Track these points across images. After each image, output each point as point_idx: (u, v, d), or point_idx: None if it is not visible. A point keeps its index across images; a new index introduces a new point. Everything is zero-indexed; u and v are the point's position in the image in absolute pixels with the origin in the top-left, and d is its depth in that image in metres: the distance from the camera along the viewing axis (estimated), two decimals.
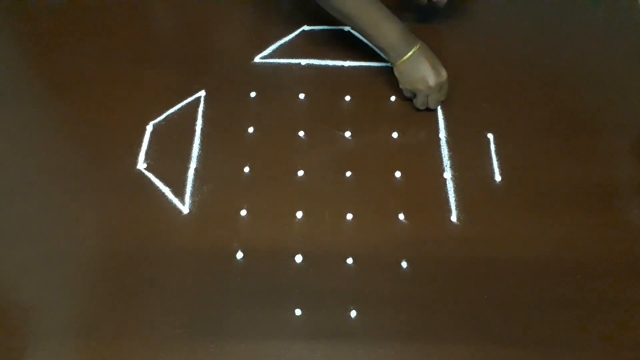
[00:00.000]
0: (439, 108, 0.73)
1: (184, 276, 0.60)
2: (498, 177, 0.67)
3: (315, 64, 0.78)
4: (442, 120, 0.72)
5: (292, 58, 0.79)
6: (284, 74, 0.77)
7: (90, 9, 0.84)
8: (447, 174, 0.67)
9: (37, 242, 0.62)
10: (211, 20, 0.85)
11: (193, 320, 0.57)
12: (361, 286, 0.59)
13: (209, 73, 0.77)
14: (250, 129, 0.71)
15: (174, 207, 0.65)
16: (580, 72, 0.78)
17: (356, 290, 0.59)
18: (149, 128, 0.71)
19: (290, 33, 0.82)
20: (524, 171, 0.68)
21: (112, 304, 0.58)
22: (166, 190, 0.66)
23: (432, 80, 0.68)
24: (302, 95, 0.75)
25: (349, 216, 0.64)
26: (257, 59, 0.79)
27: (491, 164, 0.68)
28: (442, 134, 0.71)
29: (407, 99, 0.73)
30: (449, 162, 0.69)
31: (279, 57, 0.79)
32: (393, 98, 0.75)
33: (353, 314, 0.57)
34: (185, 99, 0.74)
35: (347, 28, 0.82)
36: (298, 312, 0.57)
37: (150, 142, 0.70)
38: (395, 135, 0.71)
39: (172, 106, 0.73)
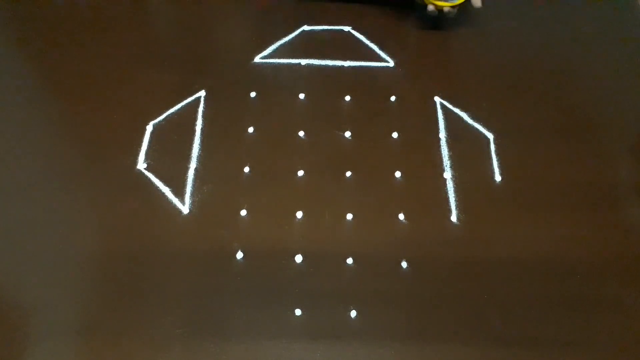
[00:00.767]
0: (438, 108, 0.73)
1: (184, 276, 0.60)
2: (498, 177, 0.67)
3: (315, 64, 0.78)
4: (442, 121, 0.72)
5: (292, 58, 0.79)
6: (284, 74, 0.77)
7: (90, 9, 0.84)
8: (447, 174, 0.68)
9: (37, 242, 0.62)
10: (211, 20, 0.85)
11: (193, 320, 0.57)
12: (361, 286, 0.59)
13: (209, 73, 0.77)
14: (250, 129, 0.71)
15: (174, 207, 0.65)
16: (580, 72, 0.78)
17: (356, 290, 0.59)
18: (149, 128, 0.71)
19: (290, 33, 0.82)
20: (524, 171, 0.68)
21: (112, 304, 0.58)
22: (166, 190, 0.66)
23: None
24: (302, 95, 0.75)
25: (349, 216, 0.64)
26: (257, 59, 0.79)
27: (491, 164, 0.68)
28: (442, 134, 0.71)
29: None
30: (449, 162, 0.69)
31: (279, 57, 0.79)
32: (393, 98, 0.75)
33: (353, 314, 0.57)
34: (185, 99, 0.74)
35: (347, 28, 0.82)
36: (298, 312, 0.57)
37: (150, 142, 0.70)
38: (395, 135, 0.71)
39: (172, 106, 0.73)
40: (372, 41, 0.80)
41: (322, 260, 0.61)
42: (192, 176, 0.67)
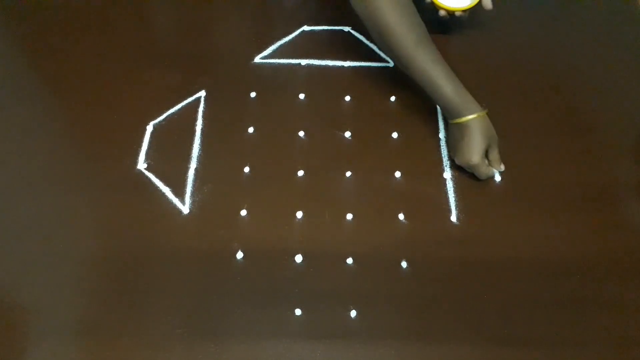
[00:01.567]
0: (438, 108, 0.73)
1: (184, 276, 0.60)
2: (498, 177, 0.67)
3: (315, 64, 0.78)
4: (442, 120, 0.72)
5: (292, 58, 0.79)
6: (284, 74, 0.77)
7: (90, 9, 0.84)
8: (447, 174, 0.67)
9: (37, 242, 0.62)
10: (211, 20, 0.85)
11: (193, 320, 0.57)
12: (361, 286, 0.59)
13: (209, 73, 0.77)
14: (250, 129, 0.71)
15: (174, 207, 0.65)
16: (580, 73, 0.78)
17: (356, 290, 0.59)
18: (149, 128, 0.71)
19: (290, 33, 0.82)
20: (524, 171, 0.68)
21: (112, 304, 0.58)
22: (166, 190, 0.66)
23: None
24: (302, 95, 0.75)
25: (349, 216, 0.64)
26: (257, 59, 0.79)
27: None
28: (442, 134, 0.71)
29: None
30: (449, 162, 0.69)
31: (279, 57, 0.79)
32: (393, 98, 0.75)
33: (353, 314, 0.57)
34: (185, 99, 0.74)
35: (347, 28, 0.82)
36: (298, 312, 0.57)
37: (150, 142, 0.70)
38: (395, 135, 0.71)
39: (172, 106, 0.73)
40: (372, 41, 0.81)
41: (322, 260, 0.61)
42: (192, 176, 0.67)
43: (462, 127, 0.64)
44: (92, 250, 0.62)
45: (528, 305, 0.58)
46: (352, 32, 0.81)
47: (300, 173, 0.68)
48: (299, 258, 0.61)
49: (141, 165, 0.68)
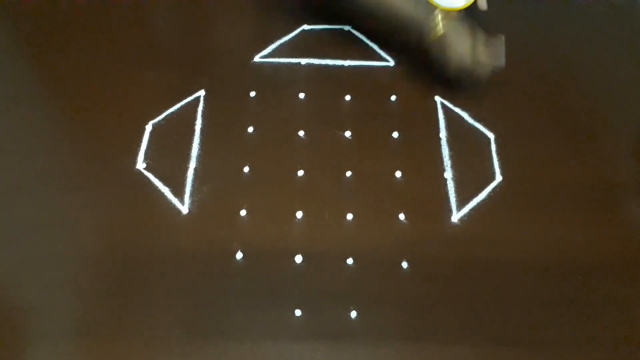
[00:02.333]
0: (439, 107, 0.73)
1: (183, 276, 0.60)
2: (498, 177, 0.67)
3: (315, 64, 0.78)
4: (443, 120, 0.72)
5: (292, 58, 0.79)
6: (284, 74, 0.77)
7: (90, 9, 0.84)
8: (448, 174, 0.67)
9: (37, 242, 0.62)
10: (211, 20, 0.85)
11: (193, 320, 0.57)
12: (361, 286, 0.59)
13: (209, 73, 0.77)
14: (250, 129, 0.71)
15: (174, 207, 0.64)
16: (580, 72, 0.78)
17: (356, 290, 0.59)
18: (149, 128, 0.71)
19: (290, 33, 0.82)
20: (524, 171, 0.68)
21: (112, 304, 0.58)
22: (165, 190, 0.66)
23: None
24: (302, 95, 0.75)
25: (349, 216, 0.64)
26: (257, 59, 0.79)
27: (491, 164, 0.68)
28: (442, 134, 0.71)
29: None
30: (449, 162, 0.68)
31: (279, 57, 0.79)
32: (393, 98, 0.75)
33: (353, 314, 0.57)
34: (185, 98, 0.74)
35: (347, 27, 0.82)
36: (298, 312, 0.57)
37: (149, 141, 0.70)
38: (395, 135, 0.71)
39: (171, 106, 0.73)
40: (372, 41, 0.80)
41: (322, 260, 0.61)
42: (192, 176, 0.67)
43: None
44: (91, 250, 0.62)
45: (528, 305, 0.58)
46: (352, 31, 0.81)
47: (300, 173, 0.68)
48: (299, 258, 0.61)
49: (140, 164, 0.68)
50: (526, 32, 0.83)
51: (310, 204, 0.65)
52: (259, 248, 0.62)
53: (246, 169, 0.68)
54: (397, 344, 0.56)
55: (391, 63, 0.78)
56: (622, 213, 0.65)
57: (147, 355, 0.55)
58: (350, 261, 0.61)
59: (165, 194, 0.66)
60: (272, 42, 0.80)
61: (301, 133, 0.71)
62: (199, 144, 0.70)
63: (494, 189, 0.66)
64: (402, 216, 0.64)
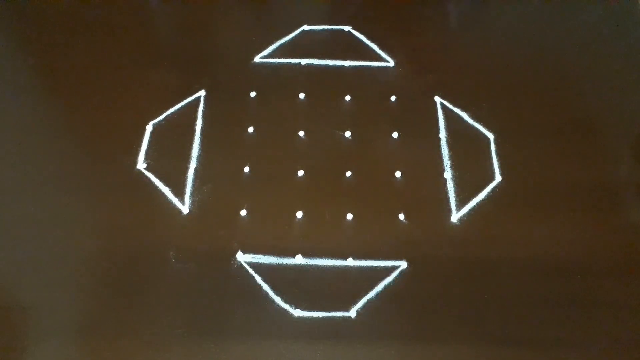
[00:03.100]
0: (438, 107, 0.73)
1: (183, 276, 0.60)
2: (498, 177, 0.67)
3: (315, 64, 0.78)
4: (442, 120, 0.72)
5: (292, 58, 0.79)
6: (284, 74, 0.77)
7: (90, 9, 0.84)
8: (447, 174, 0.67)
9: (37, 241, 0.62)
10: (211, 20, 0.85)
11: (193, 320, 0.57)
12: (361, 286, 0.59)
13: (209, 73, 0.77)
14: (250, 129, 0.71)
15: (174, 207, 0.65)
16: (580, 72, 0.78)
17: (356, 290, 0.59)
18: (149, 128, 0.71)
19: (290, 33, 0.82)
20: (524, 171, 0.68)
21: (112, 304, 0.58)
22: (166, 190, 0.66)
23: None
24: (302, 95, 0.75)
25: (349, 216, 0.64)
26: (257, 59, 0.79)
27: (491, 164, 0.68)
28: (442, 134, 0.71)
29: None
30: (449, 162, 0.69)
31: (279, 57, 0.79)
32: (393, 98, 0.75)
33: (353, 314, 0.57)
34: (185, 98, 0.74)
35: (347, 28, 0.82)
36: (298, 312, 0.57)
37: (150, 142, 0.70)
38: (395, 135, 0.71)
39: (172, 106, 0.73)
40: (372, 41, 0.80)
41: (322, 260, 0.61)
42: (192, 176, 0.67)
43: None
44: (91, 250, 0.62)
45: (528, 305, 0.58)
46: (352, 31, 0.81)
47: (300, 173, 0.68)
48: (299, 258, 0.61)
49: (141, 165, 0.68)
50: (526, 32, 0.83)
51: (310, 204, 0.65)
52: (259, 248, 0.62)
53: (246, 169, 0.68)
54: (396, 343, 0.56)
55: (391, 63, 0.78)
56: (622, 213, 0.65)
57: (147, 355, 0.55)
58: (350, 261, 0.61)
59: (166, 193, 0.66)
60: (272, 42, 0.80)
61: (301, 133, 0.71)
62: (199, 144, 0.70)
63: (493, 189, 0.66)
64: (402, 216, 0.64)
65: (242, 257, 0.61)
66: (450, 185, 0.67)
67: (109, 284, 0.59)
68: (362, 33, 0.82)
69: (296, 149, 0.70)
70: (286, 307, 0.58)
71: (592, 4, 0.86)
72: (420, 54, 0.80)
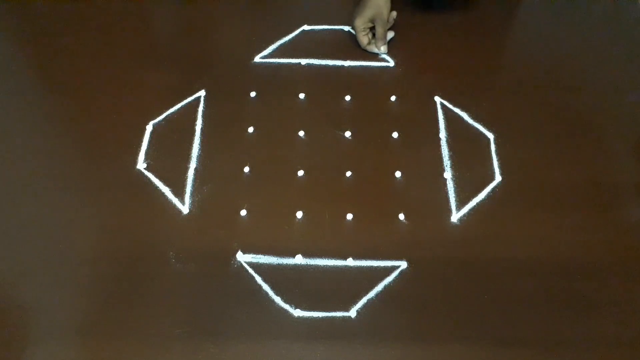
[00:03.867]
0: (438, 108, 0.73)
1: (183, 276, 0.60)
2: (498, 177, 0.67)
3: (315, 64, 0.78)
4: (442, 120, 0.72)
5: (292, 58, 0.79)
6: (284, 74, 0.77)
7: (91, 9, 0.84)
8: (447, 174, 0.67)
9: (37, 241, 0.62)
10: (211, 20, 0.85)
11: (193, 320, 0.57)
12: (361, 286, 0.59)
13: (209, 73, 0.77)
14: (250, 129, 0.71)
15: (174, 207, 0.65)
16: (581, 72, 0.78)
17: (356, 289, 0.59)
18: (149, 128, 0.71)
19: (290, 33, 0.82)
20: (524, 171, 0.68)
21: (112, 304, 0.58)
22: (166, 190, 0.66)
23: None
24: (302, 95, 0.75)
25: (349, 216, 0.64)
26: (257, 59, 0.79)
27: (491, 164, 0.68)
28: (442, 134, 0.71)
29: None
30: (449, 162, 0.69)
31: (279, 57, 0.79)
32: (393, 98, 0.75)
33: (353, 314, 0.57)
34: (185, 98, 0.74)
35: (347, 28, 0.82)
36: (298, 312, 0.57)
37: (150, 142, 0.70)
38: (395, 135, 0.71)
39: (172, 106, 0.73)
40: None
41: (322, 260, 0.61)
42: (192, 176, 0.67)
43: None
44: (91, 250, 0.62)
45: (528, 305, 0.58)
46: (352, 31, 0.81)
47: (300, 173, 0.68)
48: (299, 258, 0.61)
49: (141, 165, 0.68)
50: (526, 32, 0.83)
51: (310, 204, 0.65)
52: (259, 248, 0.62)
53: (246, 169, 0.68)
54: (396, 343, 0.56)
55: (391, 63, 0.78)
56: (622, 213, 0.65)
57: (147, 355, 0.55)
58: (350, 261, 0.61)
59: (166, 193, 0.66)
60: (272, 42, 0.80)
61: (301, 133, 0.71)
62: (199, 144, 0.70)
63: (493, 189, 0.66)
64: (402, 216, 0.64)
65: (242, 257, 0.61)
66: (450, 185, 0.67)
67: (109, 283, 0.59)
68: None
69: (296, 149, 0.70)
70: (286, 307, 0.58)
71: (592, 4, 0.86)
72: (420, 54, 0.80)
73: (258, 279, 0.60)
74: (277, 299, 0.58)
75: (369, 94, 0.75)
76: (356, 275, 0.60)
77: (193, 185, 0.66)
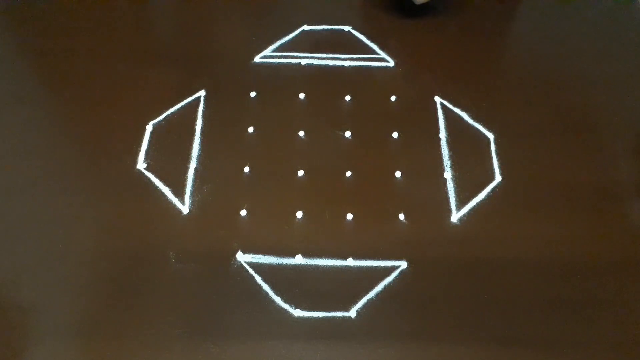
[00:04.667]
0: (438, 108, 0.73)
1: (183, 276, 0.60)
2: (498, 177, 0.67)
3: (315, 64, 0.78)
4: (442, 121, 0.72)
5: (292, 58, 0.79)
6: (284, 74, 0.77)
7: (90, 8, 0.84)
8: (447, 174, 0.68)
9: (37, 241, 0.62)
10: (211, 20, 0.85)
11: (193, 320, 0.57)
12: (361, 286, 0.59)
13: (209, 73, 0.77)
14: (250, 129, 0.71)
15: (174, 207, 0.65)
16: (580, 72, 0.78)
17: (356, 290, 0.59)
18: (149, 128, 0.71)
19: (290, 33, 0.82)
20: (524, 171, 0.68)
21: (112, 304, 0.58)
22: (166, 190, 0.66)
23: None
24: (302, 95, 0.75)
25: (349, 216, 0.64)
26: (257, 59, 0.79)
27: (491, 164, 0.68)
28: (442, 134, 0.71)
29: None
30: (449, 162, 0.69)
31: (279, 57, 0.79)
32: (393, 98, 0.75)
33: (353, 313, 0.57)
34: (185, 98, 0.74)
35: (347, 28, 0.82)
36: (298, 312, 0.57)
37: (150, 142, 0.70)
38: (395, 135, 0.71)
39: (172, 106, 0.73)
40: (372, 41, 0.80)
41: (322, 260, 0.61)
42: (192, 176, 0.67)
43: None
44: (91, 250, 0.62)
45: (528, 305, 0.58)
46: (353, 31, 0.81)
47: (300, 173, 0.68)
48: (299, 258, 0.61)
49: (141, 165, 0.68)
50: (526, 32, 0.83)
51: (310, 204, 0.65)
52: (259, 248, 0.62)
53: (246, 169, 0.68)
54: (396, 343, 0.56)
55: (391, 63, 0.78)
56: (622, 213, 0.65)
57: (147, 355, 0.55)
58: (350, 261, 0.61)
59: (166, 193, 0.66)
60: (272, 42, 0.80)
61: (301, 133, 0.71)
62: (199, 144, 0.70)
63: (493, 189, 0.66)
64: (402, 216, 0.64)
65: (242, 257, 0.61)
66: (450, 185, 0.67)
67: (109, 284, 0.59)
68: (362, 33, 0.82)
69: (296, 149, 0.70)
70: (286, 307, 0.58)
71: (592, 4, 0.86)
72: (420, 54, 0.80)
73: (258, 279, 0.60)
74: (277, 299, 0.58)
75: (369, 94, 0.75)
76: (356, 275, 0.60)
77: (193, 185, 0.66)
